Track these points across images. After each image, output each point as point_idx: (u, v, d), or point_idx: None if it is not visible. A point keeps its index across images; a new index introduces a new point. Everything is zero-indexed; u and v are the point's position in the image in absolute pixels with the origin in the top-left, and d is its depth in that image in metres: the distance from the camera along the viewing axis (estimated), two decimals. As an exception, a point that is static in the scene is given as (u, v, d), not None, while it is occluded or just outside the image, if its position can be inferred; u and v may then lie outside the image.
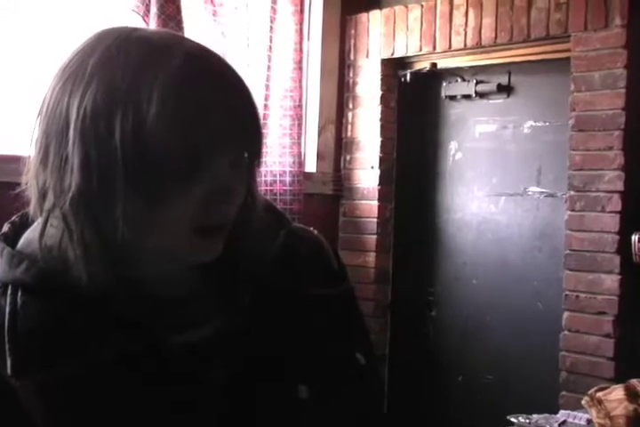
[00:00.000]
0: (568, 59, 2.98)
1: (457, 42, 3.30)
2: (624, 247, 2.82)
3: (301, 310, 0.96)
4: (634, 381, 2.53)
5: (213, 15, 3.06)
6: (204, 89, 0.83)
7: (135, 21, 2.76)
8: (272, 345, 0.93)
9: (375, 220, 3.59)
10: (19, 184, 0.89)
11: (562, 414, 2.48)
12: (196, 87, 0.83)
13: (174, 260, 0.88)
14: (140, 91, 0.80)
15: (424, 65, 3.52)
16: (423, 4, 3.40)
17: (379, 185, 3.58)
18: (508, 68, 3.33)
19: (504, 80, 3.35)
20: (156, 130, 0.79)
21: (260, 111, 3.22)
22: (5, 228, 0.93)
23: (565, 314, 2.96)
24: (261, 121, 1.00)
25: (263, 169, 3.19)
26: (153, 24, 2.73)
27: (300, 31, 3.38)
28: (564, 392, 2.93)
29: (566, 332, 2.95)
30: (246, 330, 0.92)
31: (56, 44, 2.88)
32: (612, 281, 2.84)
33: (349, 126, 3.69)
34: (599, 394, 2.47)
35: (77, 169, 0.81)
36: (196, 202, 0.83)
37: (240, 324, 0.91)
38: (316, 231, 1.07)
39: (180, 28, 2.77)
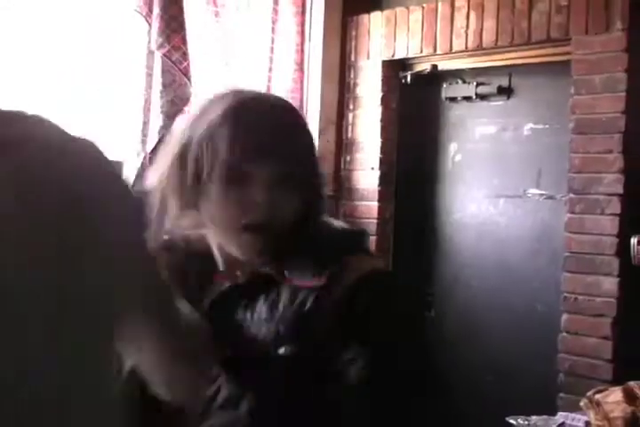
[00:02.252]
0: (569, 62, 2.99)
1: (458, 44, 3.30)
2: (623, 250, 2.83)
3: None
4: (632, 383, 2.54)
5: (215, 16, 3.07)
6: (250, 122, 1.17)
7: (138, 22, 2.77)
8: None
9: (375, 221, 3.60)
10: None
11: (560, 416, 2.49)
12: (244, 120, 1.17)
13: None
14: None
15: (425, 67, 3.53)
16: (424, 5, 3.41)
17: (379, 186, 3.59)
18: (508, 70, 3.33)
19: (505, 82, 3.36)
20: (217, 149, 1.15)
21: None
22: None
23: (564, 316, 2.97)
24: (301, 148, 1.22)
25: None
26: (155, 24, 2.74)
27: (302, 32, 3.40)
28: (562, 394, 2.94)
29: (565, 334, 2.96)
30: None
31: (60, 44, 2.89)
32: (610, 283, 2.85)
33: (350, 127, 3.70)
34: (597, 396, 2.48)
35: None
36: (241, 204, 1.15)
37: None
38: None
39: (183, 29, 2.79)
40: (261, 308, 1.18)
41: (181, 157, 1.18)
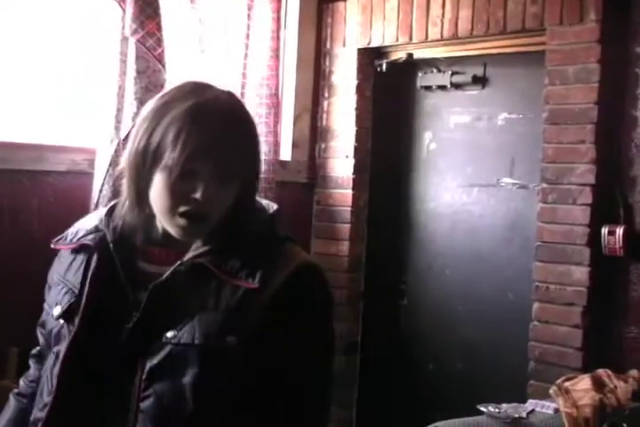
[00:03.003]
0: (543, 52, 3.01)
1: (433, 33, 3.31)
2: (594, 240, 2.86)
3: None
4: (600, 371, 2.59)
5: (191, 2, 3.05)
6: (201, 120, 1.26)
7: (112, 7, 2.74)
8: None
9: (349, 209, 3.60)
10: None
11: (530, 404, 2.53)
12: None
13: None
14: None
15: (400, 55, 3.53)
16: (400, -6, 3.41)
17: (353, 174, 3.60)
18: (483, 59, 3.35)
19: (479, 72, 3.37)
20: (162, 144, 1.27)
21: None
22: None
23: (535, 305, 3.00)
24: (245, 149, 1.31)
25: None
26: (129, 10, 2.71)
27: (278, 19, 3.37)
28: (532, 381, 2.98)
29: (536, 322, 2.99)
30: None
31: (33, 30, 2.86)
32: (581, 273, 2.89)
33: (325, 115, 3.70)
34: (567, 384, 2.52)
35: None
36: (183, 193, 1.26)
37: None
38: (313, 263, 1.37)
39: (157, 15, 2.76)
40: (204, 298, 1.28)
41: (140, 144, 1.28)
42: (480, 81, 3.38)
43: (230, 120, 1.28)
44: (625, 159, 2.90)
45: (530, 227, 3.13)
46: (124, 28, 2.74)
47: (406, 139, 3.64)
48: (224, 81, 3.17)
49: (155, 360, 1.27)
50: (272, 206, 1.41)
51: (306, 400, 1.33)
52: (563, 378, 2.57)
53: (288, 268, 1.31)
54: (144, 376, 1.27)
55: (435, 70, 3.52)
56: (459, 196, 3.46)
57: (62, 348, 1.33)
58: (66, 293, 1.38)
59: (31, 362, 1.57)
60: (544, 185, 2.99)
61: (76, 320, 1.33)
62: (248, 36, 3.27)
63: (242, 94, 3.24)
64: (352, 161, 3.60)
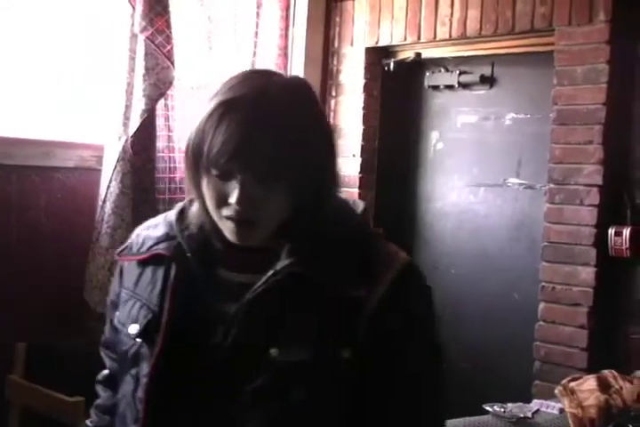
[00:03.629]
0: (551, 52, 3.00)
1: (442, 32, 3.31)
2: (601, 240, 2.86)
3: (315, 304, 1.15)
4: (606, 372, 2.59)
5: None
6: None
7: (121, 5, 2.74)
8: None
9: (355, 208, 3.60)
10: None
11: (535, 404, 2.52)
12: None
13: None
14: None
15: (408, 54, 3.53)
16: (409, -7, 3.41)
17: (360, 173, 3.60)
18: (491, 59, 3.35)
19: (487, 71, 3.37)
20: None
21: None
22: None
23: (541, 305, 3.00)
24: (284, 150, 1.13)
25: None
26: (139, 7, 2.72)
27: (286, 17, 3.39)
28: (537, 381, 2.98)
29: (541, 322, 2.99)
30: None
31: (43, 27, 2.87)
32: (587, 273, 2.88)
33: (332, 114, 3.70)
34: (572, 384, 2.52)
35: None
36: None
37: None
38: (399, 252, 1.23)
39: (167, 12, 2.76)
40: (306, 309, 1.15)
41: (186, 144, 1.19)
42: (488, 81, 3.38)
43: (264, 115, 1.12)
44: (633, 160, 2.90)
45: (536, 227, 3.13)
46: (133, 25, 2.75)
47: (413, 138, 3.64)
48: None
49: (257, 382, 1.13)
50: (359, 205, 1.28)
51: (420, 411, 1.21)
52: (568, 378, 2.57)
53: (391, 271, 1.18)
54: (244, 399, 1.14)
55: (442, 70, 3.52)
56: (465, 195, 3.46)
57: (143, 370, 1.21)
58: (140, 308, 1.24)
59: (99, 389, 1.43)
60: (551, 185, 2.99)
61: (157, 338, 1.19)
62: (256, 33, 3.28)
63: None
64: (359, 160, 3.60)
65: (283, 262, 1.16)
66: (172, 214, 1.29)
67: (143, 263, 1.28)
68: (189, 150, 1.16)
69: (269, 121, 1.11)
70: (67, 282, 2.83)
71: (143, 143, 2.82)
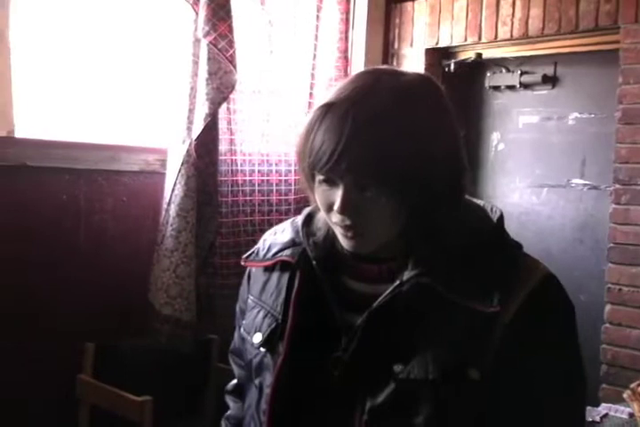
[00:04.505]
0: (616, 51, 2.95)
1: (503, 32, 3.28)
2: (669, 241, 2.81)
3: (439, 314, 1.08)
4: (676, 375, 2.53)
5: (261, 4, 3.08)
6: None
7: (185, 10, 2.78)
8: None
9: (416, 209, 3.58)
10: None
11: (603, 408, 2.48)
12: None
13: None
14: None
15: (468, 55, 3.51)
16: (469, -7, 3.39)
17: (420, 175, 3.58)
18: (554, 59, 3.31)
19: (550, 71, 3.33)
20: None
21: (305, 100, 3.24)
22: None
23: (607, 307, 2.95)
24: (384, 160, 1.05)
25: (284, 158, 3.21)
26: (202, 13, 2.75)
27: (346, 20, 3.39)
28: (604, 385, 2.93)
29: (608, 325, 2.95)
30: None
31: (109, 33, 2.93)
32: (655, 275, 2.83)
33: (392, 115, 3.68)
34: (641, 388, 2.47)
35: None
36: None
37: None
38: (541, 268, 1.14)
39: (229, 17, 2.79)
40: (434, 324, 1.08)
41: (296, 150, 1.15)
42: (550, 81, 3.34)
43: (364, 117, 1.04)
44: (702, 159, 2.84)
45: (600, 228, 3.08)
46: (196, 30, 2.78)
47: (474, 139, 3.61)
48: (292, 81, 3.21)
49: (379, 398, 1.07)
50: (496, 211, 1.19)
51: None
52: (637, 382, 2.52)
53: (527, 284, 1.09)
54: (365, 417, 1.08)
55: (504, 70, 3.49)
56: (527, 196, 3.42)
57: (266, 380, 1.18)
58: (264, 316, 1.21)
59: (229, 400, 1.41)
60: (617, 186, 2.94)
61: (281, 348, 1.16)
62: (317, 37, 3.30)
63: (310, 95, 3.27)
64: (419, 161, 3.58)
65: (410, 273, 1.09)
66: (299, 220, 1.25)
67: (269, 270, 1.25)
68: (297, 155, 1.13)
69: (369, 123, 1.03)
70: (133, 284, 2.87)
71: (206, 147, 2.86)
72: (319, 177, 1.09)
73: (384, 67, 1.17)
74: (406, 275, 1.09)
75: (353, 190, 1.06)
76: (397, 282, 1.10)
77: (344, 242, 1.12)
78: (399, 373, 1.07)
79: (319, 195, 1.11)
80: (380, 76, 1.10)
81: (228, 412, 1.40)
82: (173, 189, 2.82)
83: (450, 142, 1.11)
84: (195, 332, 2.88)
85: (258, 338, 1.20)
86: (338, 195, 1.07)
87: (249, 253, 1.30)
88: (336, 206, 1.07)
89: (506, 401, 1.08)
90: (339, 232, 1.12)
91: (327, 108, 1.07)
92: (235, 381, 1.39)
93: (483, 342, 1.06)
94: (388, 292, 1.10)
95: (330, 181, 1.08)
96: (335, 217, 1.09)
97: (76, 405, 2.72)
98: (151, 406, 2.50)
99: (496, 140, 3.56)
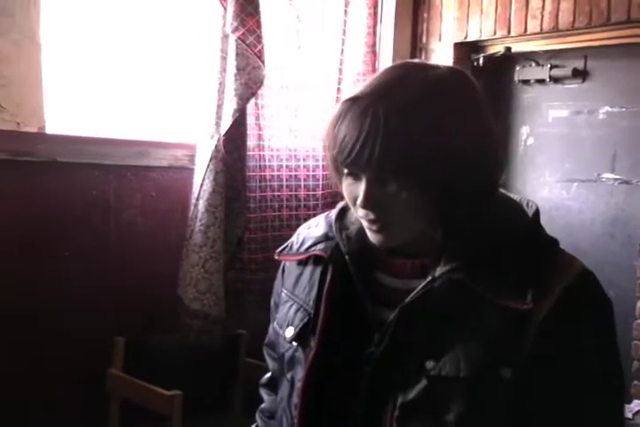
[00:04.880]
0: (649, 43, 2.92)
1: (533, 26, 3.25)
2: (702, 236, 2.77)
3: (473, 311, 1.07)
4: None
5: (289, -1, 3.08)
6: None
7: (213, 5, 2.79)
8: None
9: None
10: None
11: (636, 404, 2.46)
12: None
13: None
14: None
15: (498, 49, 3.48)
16: (498, -14, 3.36)
17: (448, 169, 3.56)
18: (584, 52, 3.27)
19: (580, 65, 3.30)
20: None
21: (333, 95, 3.24)
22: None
23: (639, 303, 2.92)
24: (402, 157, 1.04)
25: (312, 154, 3.21)
26: (230, 8, 2.76)
27: (374, 15, 3.38)
28: (636, 382, 2.89)
29: (639, 321, 2.91)
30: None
31: (137, 28, 2.95)
32: (688, 270, 2.80)
33: (420, 110, 3.67)
34: (673, 385, 2.44)
35: None
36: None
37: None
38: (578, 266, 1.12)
39: (257, 12, 2.79)
40: (465, 320, 1.07)
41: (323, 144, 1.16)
42: (580, 74, 3.30)
43: (386, 110, 1.03)
44: None
45: (632, 223, 3.05)
46: (224, 25, 2.79)
47: (503, 133, 3.58)
48: (320, 77, 3.20)
49: (410, 395, 1.07)
50: (532, 206, 1.16)
51: None
52: (669, 378, 2.50)
53: (562, 281, 1.07)
54: (397, 413, 1.07)
55: (533, 64, 3.46)
56: (557, 191, 3.39)
57: (298, 374, 1.18)
58: (297, 311, 1.21)
59: (263, 393, 1.41)
60: (648, 180, 2.91)
61: (312, 342, 1.16)
62: (344, 31, 3.29)
63: (338, 90, 3.26)
64: (447, 156, 3.56)
65: (442, 268, 1.08)
66: (332, 214, 1.25)
67: (302, 264, 1.25)
68: (324, 149, 1.13)
69: (391, 116, 1.02)
70: (162, 278, 2.89)
71: (235, 142, 2.86)
72: (344, 170, 1.09)
73: (415, 61, 1.16)
74: (439, 270, 1.08)
75: (374, 184, 1.06)
76: (429, 278, 1.09)
77: (370, 236, 1.12)
78: (430, 369, 1.06)
79: (345, 188, 1.11)
80: (408, 70, 1.10)
81: (262, 405, 1.41)
82: (202, 185, 2.83)
83: (479, 137, 1.09)
84: (223, 327, 2.90)
85: (290, 332, 1.21)
86: (361, 189, 1.07)
87: (283, 246, 1.30)
88: (358, 200, 1.07)
89: (542, 400, 1.06)
90: (365, 226, 1.12)
91: (352, 102, 1.06)
92: (269, 374, 1.39)
93: (516, 340, 1.04)
94: (420, 287, 1.09)
95: (354, 175, 1.08)
96: (360, 211, 1.10)
97: (106, 399, 2.75)
98: (181, 401, 2.52)
99: (525, 135, 3.53)
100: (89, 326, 2.74)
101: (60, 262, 2.68)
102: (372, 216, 1.08)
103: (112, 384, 2.74)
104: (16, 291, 2.59)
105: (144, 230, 2.91)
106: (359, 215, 1.11)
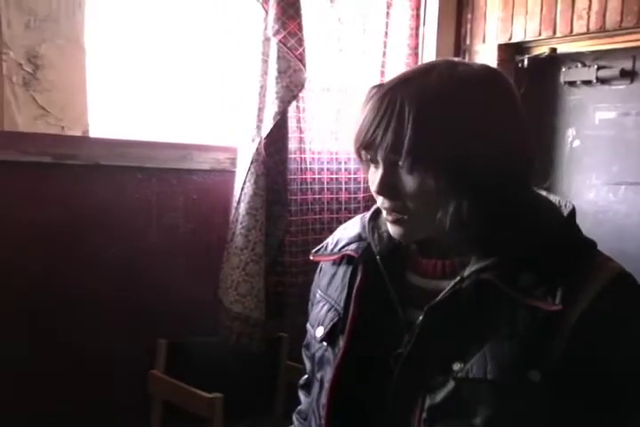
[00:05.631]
0: (699, 43, 2.85)
1: (579, 26, 3.20)
2: None
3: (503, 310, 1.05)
4: None
5: (330, 2, 3.07)
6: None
7: (255, 9, 2.79)
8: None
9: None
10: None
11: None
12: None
13: None
14: None
15: (543, 50, 3.43)
16: (544, -14, 3.31)
17: (493, 172, 3.52)
18: (632, 52, 3.20)
19: (628, 65, 3.23)
20: None
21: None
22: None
23: (688, 309, 2.84)
24: (411, 138, 1.04)
25: (353, 156, 3.19)
26: (272, 11, 2.76)
27: (417, 16, 3.36)
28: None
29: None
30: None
31: (180, 32, 2.96)
32: None
33: (464, 112, 3.63)
34: None
35: None
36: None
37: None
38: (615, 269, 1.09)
39: (299, 15, 2.79)
40: (493, 322, 1.05)
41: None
42: (628, 75, 3.23)
43: (403, 100, 1.04)
44: None
45: (682, 227, 2.98)
46: (266, 28, 2.79)
47: (548, 135, 3.53)
48: (361, 79, 3.19)
49: (437, 397, 1.05)
50: (568, 205, 1.15)
51: None
52: None
53: (597, 282, 1.04)
54: (424, 415, 1.06)
55: (579, 65, 3.40)
56: (604, 194, 3.33)
57: (327, 374, 1.18)
58: (328, 311, 1.21)
59: (301, 394, 1.41)
60: (699, 183, 2.84)
61: (341, 342, 1.16)
62: (386, 34, 3.27)
63: (380, 92, 3.24)
64: (491, 159, 3.52)
65: (470, 269, 1.07)
66: (367, 214, 1.25)
67: (337, 264, 1.25)
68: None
69: (408, 102, 1.03)
70: (203, 281, 2.90)
71: (276, 145, 2.86)
72: (367, 157, 1.10)
73: (452, 58, 1.15)
74: (467, 271, 1.07)
75: (389, 170, 1.07)
76: (458, 278, 1.07)
77: (390, 229, 1.12)
78: (458, 371, 1.05)
79: (369, 177, 1.12)
80: (438, 63, 1.11)
81: (300, 407, 1.41)
82: (243, 188, 2.83)
83: (504, 133, 1.07)
84: (264, 330, 2.89)
85: (320, 332, 1.21)
86: (377, 175, 1.08)
87: (318, 247, 1.31)
88: (373, 186, 1.09)
89: (576, 405, 1.04)
90: (385, 218, 1.12)
91: (376, 89, 1.09)
92: (306, 375, 1.40)
93: (545, 343, 1.02)
94: (448, 288, 1.08)
95: (375, 162, 1.09)
96: (378, 200, 1.11)
97: (148, 400, 2.76)
98: (221, 403, 2.52)
99: (571, 137, 3.48)
100: (132, 326, 2.76)
101: (102, 264, 2.70)
102: (387, 204, 1.09)
103: (154, 386, 2.75)
104: (60, 292, 2.62)
105: (185, 233, 2.92)
106: (379, 205, 1.11)
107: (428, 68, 1.09)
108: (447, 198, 1.05)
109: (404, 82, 1.07)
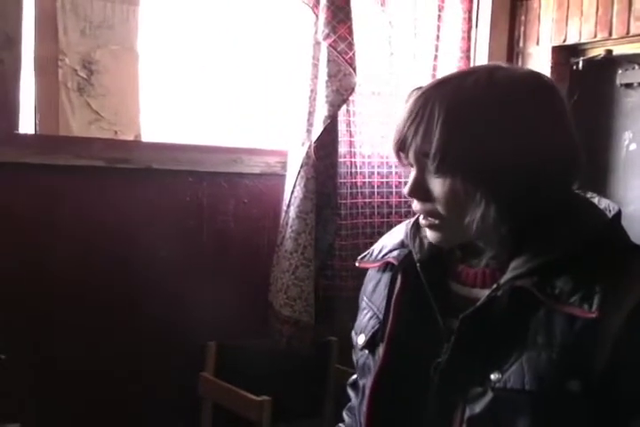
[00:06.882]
0: None
1: (636, 27, 3.13)
2: None
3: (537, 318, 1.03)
4: None
5: (381, 5, 3.06)
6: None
7: (305, 13, 2.80)
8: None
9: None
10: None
11: None
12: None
13: None
14: None
15: (598, 52, 3.37)
16: (599, -12, 3.26)
17: (547, 176, 3.47)
18: (690, 53, 3.14)
19: (687, 67, 3.16)
20: None
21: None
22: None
23: None
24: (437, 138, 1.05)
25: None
26: (322, 15, 2.76)
27: (469, 19, 3.33)
28: None
29: None
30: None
31: (230, 36, 2.99)
32: None
33: (517, 116, 3.59)
34: None
35: None
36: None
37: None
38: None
39: (349, 19, 2.79)
40: (531, 330, 1.02)
41: None
42: (687, 77, 3.17)
43: (438, 102, 1.04)
44: None
45: None
46: (316, 32, 2.80)
47: (604, 139, 3.47)
48: (412, 83, 3.17)
49: (476, 408, 1.03)
50: (614, 208, 1.11)
51: None
52: None
53: (639, 288, 0.99)
54: (464, 426, 1.04)
55: (636, 67, 3.33)
56: (662, 199, 3.26)
57: (368, 382, 1.17)
58: (370, 318, 1.21)
59: (350, 392, 1.40)
60: None
61: (380, 351, 1.15)
62: (438, 37, 3.25)
63: (431, 96, 3.22)
64: (545, 162, 3.47)
65: (506, 276, 1.04)
66: (412, 219, 1.23)
67: (381, 271, 1.24)
68: None
69: (440, 103, 1.04)
70: (253, 284, 2.92)
71: (326, 149, 2.87)
72: (404, 160, 1.11)
73: (499, 63, 1.13)
74: (503, 278, 1.05)
75: (421, 172, 1.07)
76: (494, 286, 1.05)
77: (427, 234, 1.12)
78: (496, 382, 1.02)
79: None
80: (479, 68, 1.13)
81: (349, 403, 1.40)
82: (293, 191, 2.84)
83: (541, 138, 1.06)
84: (314, 333, 2.89)
85: (361, 339, 1.20)
86: (410, 177, 1.09)
87: (364, 253, 1.31)
88: (405, 189, 1.09)
89: (619, 416, 1.00)
90: (421, 223, 1.12)
91: (415, 91, 1.11)
92: (355, 375, 1.38)
93: (586, 352, 0.99)
94: (485, 297, 1.06)
95: (410, 164, 1.10)
96: (413, 203, 1.10)
97: (199, 402, 2.78)
98: (270, 406, 2.52)
99: (628, 140, 3.41)
100: (181, 329, 2.78)
101: (154, 267, 2.73)
102: (418, 207, 1.09)
103: (204, 388, 2.78)
104: (114, 295, 2.66)
105: (236, 236, 2.94)
106: (413, 208, 1.12)
107: (469, 72, 1.10)
108: (475, 203, 1.04)
109: (440, 84, 1.08)
